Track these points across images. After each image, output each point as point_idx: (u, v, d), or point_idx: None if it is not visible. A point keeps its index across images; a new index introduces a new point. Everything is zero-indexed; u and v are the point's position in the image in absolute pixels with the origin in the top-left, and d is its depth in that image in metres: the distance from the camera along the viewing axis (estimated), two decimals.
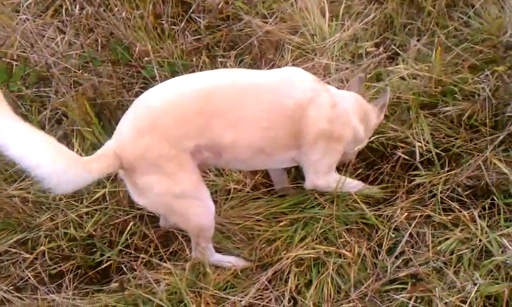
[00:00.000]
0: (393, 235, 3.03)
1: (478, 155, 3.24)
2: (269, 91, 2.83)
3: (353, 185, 3.19)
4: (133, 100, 2.82)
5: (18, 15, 4.28)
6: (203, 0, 4.39)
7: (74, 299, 2.94)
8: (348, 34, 4.13)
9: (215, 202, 3.20)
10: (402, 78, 3.74)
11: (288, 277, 2.91)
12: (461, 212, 3.05)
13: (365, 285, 2.83)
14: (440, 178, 3.21)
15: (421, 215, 3.09)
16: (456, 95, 3.53)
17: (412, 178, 3.29)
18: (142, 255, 3.07)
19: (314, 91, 2.89)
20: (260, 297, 2.87)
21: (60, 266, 3.10)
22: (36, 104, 3.84)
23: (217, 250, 3.06)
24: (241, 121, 2.74)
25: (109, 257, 3.08)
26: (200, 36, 4.27)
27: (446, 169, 3.26)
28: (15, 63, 4.00)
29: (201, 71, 3.93)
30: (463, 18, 4.15)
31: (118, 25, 4.17)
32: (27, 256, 3.12)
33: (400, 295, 2.75)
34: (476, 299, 2.67)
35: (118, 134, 2.68)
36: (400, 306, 2.74)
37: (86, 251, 3.16)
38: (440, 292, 2.70)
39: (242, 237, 3.16)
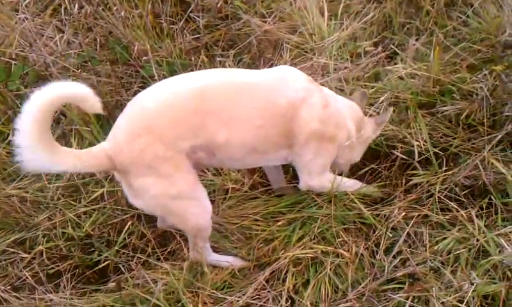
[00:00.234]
0: (390, 235, 3.03)
1: (476, 155, 3.24)
2: (262, 90, 2.83)
3: (349, 184, 3.19)
4: (132, 99, 2.82)
5: (17, 14, 4.29)
6: (201, 0, 4.39)
7: (72, 298, 2.93)
8: (347, 34, 4.13)
9: (213, 201, 3.21)
10: (401, 77, 3.75)
11: (286, 276, 2.91)
12: (458, 211, 3.06)
13: (362, 285, 2.83)
14: (438, 177, 3.22)
15: (418, 215, 3.09)
16: (454, 95, 3.54)
17: (410, 178, 3.29)
18: (140, 255, 3.07)
19: (307, 90, 2.89)
20: (257, 296, 2.87)
21: (58, 266, 3.10)
22: None
23: (215, 249, 3.06)
24: (235, 120, 2.74)
25: (106, 257, 3.08)
26: (198, 35, 4.28)
27: (444, 168, 3.27)
28: (13, 62, 4.00)
29: (199, 70, 3.94)
30: (461, 18, 4.15)
31: (117, 24, 4.18)
32: (25, 255, 3.11)
33: (398, 295, 2.75)
34: (473, 299, 2.67)
35: (112, 136, 2.67)
36: (398, 305, 2.74)
37: (83, 251, 3.16)
38: (437, 292, 2.71)
39: (239, 237, 3.16)
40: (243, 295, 2.86)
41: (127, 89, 3.89)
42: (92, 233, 3.17)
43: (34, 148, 2.42)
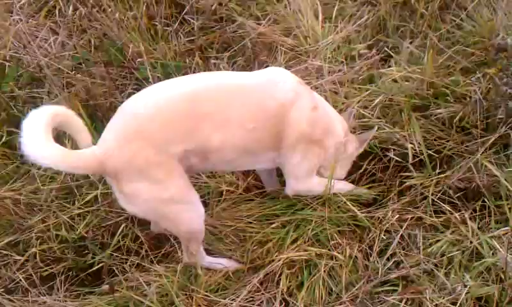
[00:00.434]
0: (384, 237, 3.03)
1: (469, 157, 3.25)
2: (252, 92, 2.84)
3: (339, 186, 3.19)
4: (122, 105, 2.82)
5: (11, 16, 4.29)
6: (196, 2, 4.40)
7: (65, 301, 2.93)
8: (341, 36, 4.13)
9: (207, 204, 3.22)
10: (395, 80, 3.76)
11: (280, 279, 2.91)
12: (452, 214, 3.06)
13: (356, 287, 2.83)
14: (432, 180, 3.22)
15: (412, 217, 3.10)
16: (448, 97, 3.55)
17: (404, 180, 3.30)
18: (133, 257, 3.07)
19: (296, 92, 2.89)
20: (251, 299, 2.87)
21: (51, 268, 3.09)
22: (29, 105, 3.81)
23: (209, 252, 3.06)
24: (227, 123, 2.74)
25: (100, 259, 3.07)
26: (193, 38, 4.27)
27: (437, 171, 3.28)
28: (7, 64, 3.99)
29: (194, 72, 3.94)
30: (455, 21, 4.16)
31: (111, 26, 4.18)
32: (18, 258, 3.11)
33: (391, 297, 2.75)
34: (466, 301, 2.68)
35: (103, 141, 2.66)
36: None
37: (77, 253, 3.15)
38: (430, 294, 2.71)
39: (234, 239, 3.16)
40: (237, 297, 2.86)
41: (121, 91, 3.89)
42: (86, 235, 3.16)
43: (30, 135, 2.43)
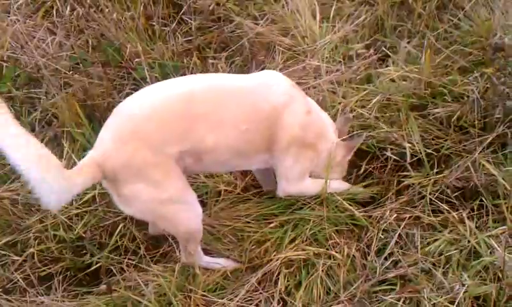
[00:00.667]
0: (382, 236, 3.03)
1: (467, 157, 3.25)
2: (247, 94, 2.86)
3: (334, 186, 3.20)
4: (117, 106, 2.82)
5: (8, 16, 4.29)
6: (194, 2, 4.40)
7: (63, 301, 2.93)
8: (339, 36, 4.14)
9: (205, 204, 3.22)
10: (392, 80, 3.76)
11: (278, 278, 2.91)
12: (450, 213, 3.06)
13: (354, 286, 2.83)
14: (429, 179, 3.22)
15: (410, 217, 3.10)
16: (446, 97, 3.55)
17: (402, 179, 3.30)
18: (131, 257, 3.06)
19: (290, 96, 2.91)
20: (249, 298, 2.87)
21: (49, 268, 3.09)
22: (27, 105, 3.83)
23: (207, 251, 3.06)
24: (222, 125, 2.75)
25: (98, 259, 3.07)
26: (191, 38, 4.28)
27: (435, 170, 3.28)
28: (5, 64, 4.00)
29: (192, 72, 3.95)
30: (452, 21, 4.16)
31: (109, 26, 4.17)
32: (16, 258, 3.10)
33: (389, 296, 2.75)
34: (464, 300, 2.68)
35: (99, 144, 2.66)
36: (389, 306, 2.74)
37: (75, 253, 3.15)
38: (428, 293, 2.71)
39: (232, 239, 3.16)
40: (235, 297, 2.86)
41: (119, 91, 3.89)
42: (84, 235, 3.16)
43: (47, 182, 2.39)
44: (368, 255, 2.99)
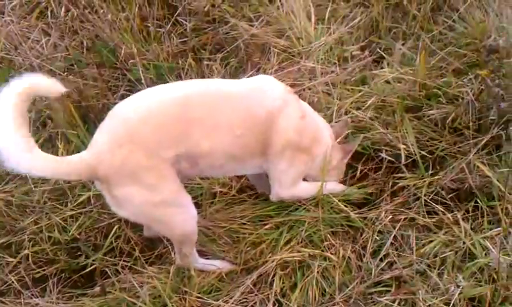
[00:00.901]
0: (377, 238, 3.04)
1: (462, 158, 3.26)
2: (241, 99, 2.85)
3: (330, 187, 3.20)
4: (118, 103, 2.81)
5: (2, 17, 4.26)
6: (189, 3, 4.40)
7: (58, 303, 2.92)
8: (334, 38, 4.14)
9: (200, 205, 3.22)
10: (387, 81, 3.77)
11: (273, 280, 2.90)
12: (445, 214, 3.07)
13: (349, 288, 2.83)
14: (424, 181, 3.23)
15: (405, 218, 3.10)
16: (440, 99, 3.56)
17: (397, 181, 3.30)
18: (126, 258, 3.06)
19: (283, 100, 2.91)
20: (245, 300, 2.86)
21: (44, 270, 3.08)
22: None
23: (202, 253, 3.05)
24: (217, 129, 2.75)
25: (93, 261, 3.06)
26: (186, 39, 4.28)
27: (430, 172, 3.28)
28: None
29: (187, 74, 3.95)
30: (447, 23, 4.18)
31: (104, 27, 4.17)
32: (11, 260, 3.09)
33: (385, 298, 2.75)
34: (459, 301, 2.69)
35: (93, 146, 2.65)
36: None
37: (70, 255, 3.14)
38: (423, 295, 2.71)
39: (227, 240, 3.16)
40: (230, 298, 2.85)
41: (113, 93, 3.88)
42: (78, 236, 3.16)
43: (12, 149, 2.39)
44: (364, 256, 2.99)
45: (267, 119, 2.85)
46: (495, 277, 2.71)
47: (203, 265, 3.00)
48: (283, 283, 2.90)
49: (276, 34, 4.24)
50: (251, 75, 3.80)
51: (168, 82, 3.75)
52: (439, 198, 3.17)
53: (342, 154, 3.23)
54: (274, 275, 2.92)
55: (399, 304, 2.73)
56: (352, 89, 3.75)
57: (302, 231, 3.07)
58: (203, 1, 4.42)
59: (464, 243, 2.92)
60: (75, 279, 3.08)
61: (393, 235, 3.01)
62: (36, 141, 2.97)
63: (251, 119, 2.83)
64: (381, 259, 2.94)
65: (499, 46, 3.45)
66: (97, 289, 2.95)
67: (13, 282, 3.00)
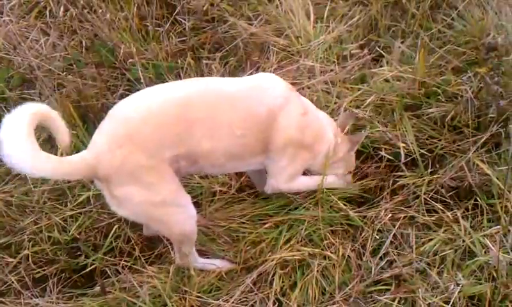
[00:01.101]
0: (377, 236, 3.04)
1: (461, 156, 3.26)
2: (242, 98, 2.85)
3: (328, 181, 3.18)
4: (117, 103, 2.81)
5: (1, 17, 4.26)
6: (188, 2, 4.39)
7: (58, 303, 2.92)
8: (333, 36, 4.14)
9: (200, 204, 3.22)
10: (386, 80, 3.77)
11: (273, 279, 2.91)
12: (444, 213, 3.07)
13: (349, 286, 2.84)
14: (424, 179, 3.23)
15: (405, 216, 3.10)
16: (440, 97, 3.56)
17: (396, 179, 3.30)
18: (126, 258, 3.06)
19: (285, 98, 2.91)
20: (245, 299, 2.86)
21: (44, 270, 3.08)
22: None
23: (202, 252, 3.06)
24: (217, 129, 2.76)
25: (93, 260, 3.07)
26: (184, 38, 4.28)
27: (430, 170, 3.28)
28: None
29: (186, 73, 3.94)
30: (446, 20, 4.18)
31: (102, 27, 4.16)
32: (11, 260, 3.09)
33: (384, 296, 2.76)
34: (459, 300, 2.69)
35: (93, 145, 2.65)
36: (384, 306, 2.75)
37: (70, 255, 3.14)
38: (423, 293, 2.72)
39: (227, 239, 3.16)
40: (230, 298, 2.86)
41: (112, 92, 3.88)
42: (78, 236, 3.16)
43: (16, 147, 2.40)
44: (363, 255, 2.99)
45: (268, 117, 2.85)
46: (495, 275, 2.71)
47: (203, 265, 3.00)
48: (283, 281, 2.90)
49: (275, 33, 4.25)
50: (250, 74, 3.80)
51: (167, 81, 3.75)
52: (438, 196, 3.17)
53: (349, 145, 3.21)
54: (274, 274, 2.92)
55: (398, 302, 2.73)
56: (351, 87, 3.76)
57: (302, 230, 3.07)
58: (202, 0, 4.41)
59: (463, 241, 2.92)
60: (75, 279, 3.08)
61: (392, 234, 3.01)
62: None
63: (251, 118, 2.83)
64: (380, 258, 2.94)
65: (498, 44, 3.45)
66: (97, 289, 2.95)
67: (13, 282, 3.00)
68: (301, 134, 2.95)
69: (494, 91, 3.30)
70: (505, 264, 2.74)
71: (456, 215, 3.05)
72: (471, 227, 3.00)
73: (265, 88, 2.91)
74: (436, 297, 2.70)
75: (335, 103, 3.62)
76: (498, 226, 2.92)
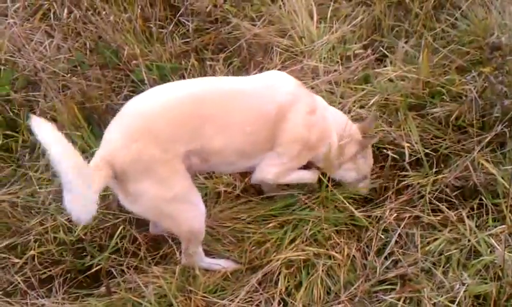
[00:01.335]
0: (382, 236, 3.04)
1: (466, 156, 3.26)
2: (254, 96, 2.88)
3: (307, 176, 3.18)
4: (122, 104, 2.82)
5: (6, 19, 4.27)
6: (191, 4, 4.40)
7: (64, 303, 2.92)
8: (336, 37, 4.15)
9: (205, 205, 3.21)
10: (390, 80, 3.78)
11: (278, 279, 2.91)
12: (449, 212, 3.07)
13: (354, 286, 2.84)
14: (429, 179, 3.23)
15: (410, 216, 3.11)
16: (444, 96, 3.56)
17: (401, 179, 3.30)
18: (132, 259, 3.06)
19: (295, 95, 2.93)
20: (250, 299, 2.87)
21: (50, 270, 3.08)
22: (25, 108, 3.82)
23: (207, 252, 3.06)
24: (229, 126, 2.78)
25: (98, 261, 3.07)
26: (188, 39, 4.29)
27: (434, 170, 3.28)
28: (3, 67, 3.99)
29: (190, 74, 3.95)
30: (450, 20, 4.18)
31: (106, 28, 4.17)
32: (17, 260, 3.10)
33: (390, 296, 2.76)
34: (464, 299, 2.69)
35: (107, 142, 2.67)
36: (390, 306, 2.75)
37: (75, 255, 3.14)
38: (428, 292, 2.72)
39: (232, 239, 3.16)
40: (236, 298, 2.86)
41: (117, 94, 3.89)
42: (84, 237, 3.16)
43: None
44: (369, 255, 2.99)
45: (278, 115, 2.87)
46: (500, 274, 2.71)
47: (209, 265, 3.01)
48: (288, 281, 2.91)
49: (278, 34, 4.25)
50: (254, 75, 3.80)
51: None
52: (443, 196, 3.17)
53: (358, 148, 3.18)
54: (279, 274, 2.92)
55: (404, 302, 2.73)
56: (355, 87, 3.76)
57: (306, 229, 3.07)
58: (205, 1, 4.43)
59: (469, 241, 2.92)
60: (81, 280, 3.09)
61: (397, 233, 3.01)
62: None
63: (261, 116, 2.85)
64: (385, 258, 2.94)
65: (502, 43, 3.46)
66: (103, 289, 2.96)
67: (19, 283, 3.00)
68: (308, 133, 2.96)
69: (498, 91, 3.30)
70: (510, 263, 2.74)
71: (461, 214, 3.05)
72: (476, 226, 3.00)
73: (276, 86, 2.93)
74: (442, 297, 2.70)
75: (339, 103, 3.62)
76: (504, 226, 2.93)
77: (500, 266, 2.72)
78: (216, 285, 2.95)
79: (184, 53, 4.22)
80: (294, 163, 3.04)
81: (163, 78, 3.90)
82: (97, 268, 3.06)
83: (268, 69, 3.96)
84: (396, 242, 2.99)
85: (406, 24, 4.22)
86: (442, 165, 3.32)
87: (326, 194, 3.15)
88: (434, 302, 2.70)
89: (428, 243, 2.98)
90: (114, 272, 3.02)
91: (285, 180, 3.13)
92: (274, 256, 2.99)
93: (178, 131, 2.68)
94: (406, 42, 4.07)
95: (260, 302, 2.86)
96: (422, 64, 3.66)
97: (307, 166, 3.16)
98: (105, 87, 3.85)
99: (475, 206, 3.11)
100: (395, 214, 3.10)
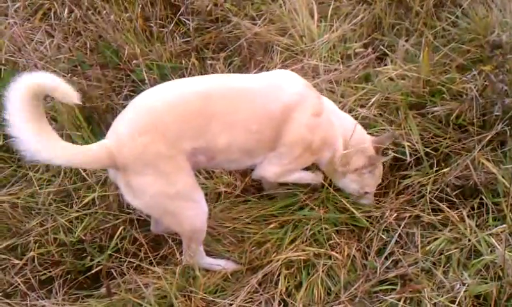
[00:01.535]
0: (382, 236, 3.04)
1: (466, 155, 3.26)
2: (260, 95, 2.87)
3: (309, 177, 3.19)
4: (122, 104, 2.83)
5: (6, 19, 4.27)
6: (191, 3, 4.39)
7: (64, 304, 2.93)
8: (337, 35, 4.13)
9: None
10: (391, 78, 3.77)
11: (279, 279, 2.91)
12: (450, 211, 3.07)
13: (354, 286, 2.84)
14: (429, 178, 3.23)
15: (410, 216, 3.11)
16: (444, 95, 3.56)
17: (401, 179, 3.30)
18: (132, 259, 3.06)
19: (301, 95, 2.92)
20: (250, 299, 2.87)
21: (50, 271, 3.09)
22: None
23: (207, 253, 3.06)
24: (235, 124, 2.78)
25: (99, 262, 3.07)
26: (188, 39, 4.28)
27: (435, 169, 3.28)
28: (3, 67, 3.98)
29: (190, 73, 3.95)
30: (450, 18, 4.17)
31: (107, 28, 4.17)
32: (17, 261, 3.10)
33: (390, 296, 2.76)
34: (465, 299, 2.69)
35: (113, 134, 2.67)
36: (390, 306, 2.74)
37: (76, 256, 3.15)
38: (428, 292, 2.72)
39: (232, 240, 3.16)
40: (236, 298, 2.86)
41: (117, 93, 3.88)
42: (84, 238, 3.16)
43: (31, 138, 2.42)
44: (369, 255, 3.00)
45: (283, 114, 2.87)
46: (501, 274, 2.71)
47: (210, 265, 3.02)
48: (288, 282, 2.91)
49: (278, 33, 4.24)
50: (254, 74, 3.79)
51: None
52: (444, 195, 3.17)
53: (366, 162, 3.11)
54: (279, 275, 2.93)
55: (404, 302, 2.73)
56: (355, 86, 3.75)
57: (306, 230, 3.07)
58: (206, 0, 4.41)
59: (469, 240, 2.92)
60: (81, 281, 3.09)
61: (398, 233, 3.01)
62: None
63: (267, 114, 2.85)
64: (386, 258, 2.94)
65: (503, 41, 3.45)
66: (103, 290, 2.96)
67: (19, 284, 3.00)
68: (311, 135, 2.95)
69: (499, 89, 3.29)
70: (511, 263, 2.73)
71: (462, 214, 3.05)
72: (476, 226, 2.99)
73: (283, 85, 2.93)
74: (442, 297, 2.70)
75: (340, 102, 3.61)
76: (504, 225, 2.92)
77: (501, 266, 2.72)
78: (216, 286, 2.96)
79: (185, 52, 4.21)
80: (295, 164, 3.04)
81: (164, 78, 3.89)
82: (97, 269, 3.06)
83: (269, 68, 3.96)
84: (396, 241, 2.99)
85: (407, 23, 4.21)
86: (442, 165, 3.32)
87: (327, 195, 3.15)
88: (435, 302, 2.70)
89: (428, 243, 2.98)
90: (115, 273, 3.01)
91: (285, 180, 3.13)
92: (275, 256, 2.99)
93: (185, 127, 2.68)
94: (406, 40, 4.06)
95: (260, 302, 2.86)
96: (423, 62, 3.65)
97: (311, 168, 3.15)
98: (105, 87, 3.85)
99: (475, 206, 3.11)
100: (395, 214, 3.10)
